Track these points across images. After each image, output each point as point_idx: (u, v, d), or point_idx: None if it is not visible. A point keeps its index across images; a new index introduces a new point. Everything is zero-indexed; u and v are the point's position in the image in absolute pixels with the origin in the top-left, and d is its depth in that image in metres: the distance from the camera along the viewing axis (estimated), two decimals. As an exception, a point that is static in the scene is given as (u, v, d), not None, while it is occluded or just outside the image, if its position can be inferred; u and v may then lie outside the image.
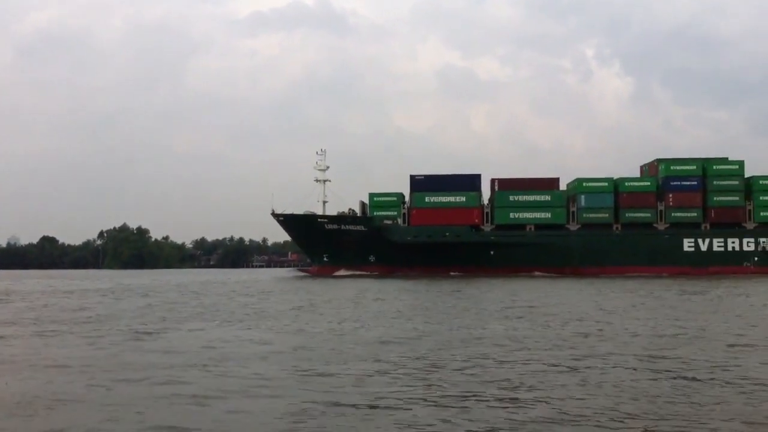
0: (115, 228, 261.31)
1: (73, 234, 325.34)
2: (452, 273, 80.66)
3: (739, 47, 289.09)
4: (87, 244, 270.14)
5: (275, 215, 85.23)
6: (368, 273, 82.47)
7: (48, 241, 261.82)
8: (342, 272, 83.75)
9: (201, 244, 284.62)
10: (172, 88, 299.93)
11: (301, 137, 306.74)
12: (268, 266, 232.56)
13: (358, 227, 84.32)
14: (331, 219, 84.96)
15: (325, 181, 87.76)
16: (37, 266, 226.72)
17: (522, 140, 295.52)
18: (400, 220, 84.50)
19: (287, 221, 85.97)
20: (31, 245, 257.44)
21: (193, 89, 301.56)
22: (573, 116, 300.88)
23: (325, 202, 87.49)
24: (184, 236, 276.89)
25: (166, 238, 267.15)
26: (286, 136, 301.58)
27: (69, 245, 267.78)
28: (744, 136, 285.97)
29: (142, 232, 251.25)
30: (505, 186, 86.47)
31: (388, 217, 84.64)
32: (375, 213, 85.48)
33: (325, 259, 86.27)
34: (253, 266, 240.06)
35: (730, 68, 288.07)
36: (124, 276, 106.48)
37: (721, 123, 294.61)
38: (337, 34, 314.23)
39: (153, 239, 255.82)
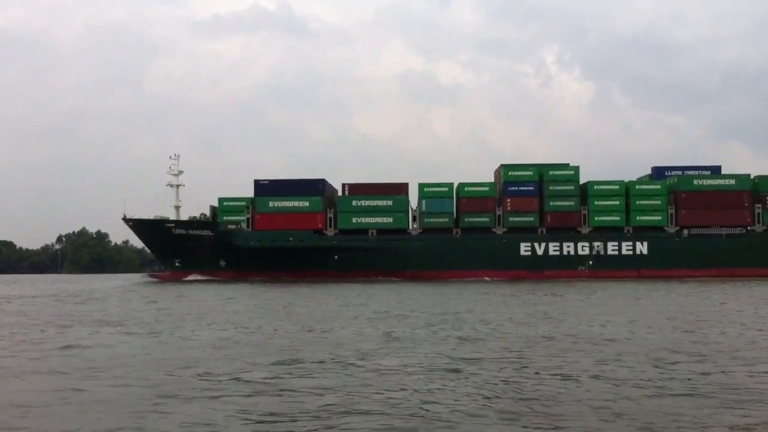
0: (74, 232, 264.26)
1: (32, 238, 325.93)
2: (285, 278, 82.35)
3: (696, 54, 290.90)
4: (45, 249, 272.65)
5: (126, 220, 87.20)
6: (218, 278, 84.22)
7: (5, 246, 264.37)
8: (192, 278, 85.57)
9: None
10: (132, 91, 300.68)
11: (266, 142, 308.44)
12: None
13: (205, 232, 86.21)
14: (179, 224, 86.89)
15: (178, 185, 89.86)
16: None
17: (485, 145, 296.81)
18: (244, 225, 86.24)
19: (138, 226, 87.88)
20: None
21: (154, 92, 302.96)
22: (535, 121, 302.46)
23: (178, 207, 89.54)
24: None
25: (126, 242, 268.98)
26: (249, 141, 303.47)
27: (27, 249, 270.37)
28: (702, 140, 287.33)
29: (101, 237, 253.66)
30: (355, 191, 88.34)
31: (235, 222, 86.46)
32: (224, 217, 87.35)
33: (177, 264, 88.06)
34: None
35: (687, 74, 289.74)
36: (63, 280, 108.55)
37: (680, 128, 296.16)
38: (299, 38, 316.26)
39: (113, 243, 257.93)
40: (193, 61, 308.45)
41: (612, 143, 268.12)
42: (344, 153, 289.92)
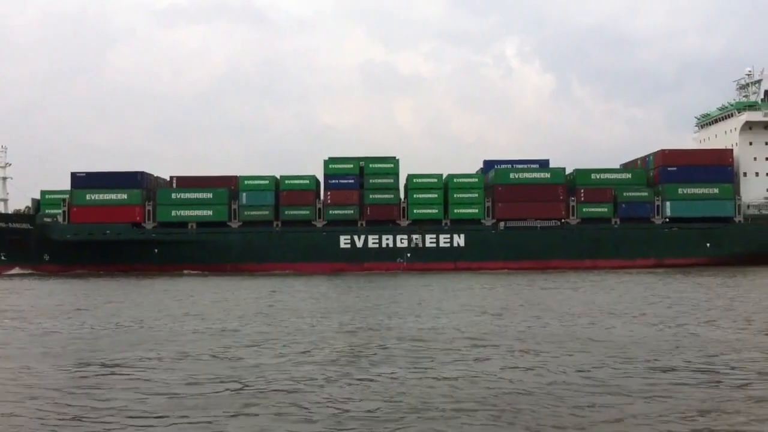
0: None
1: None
2: (101, 272, 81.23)
3: (652, 46, 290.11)
4: None
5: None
6: (42, 273, 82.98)
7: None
8: (15, 271, 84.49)
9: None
10: (90, 80, 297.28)
11: (227, 132, 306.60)
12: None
13: (24, 225, 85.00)
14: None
15: (5, 178, 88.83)
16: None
17: (447, 135, 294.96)
18: (60, 218, 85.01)
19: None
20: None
21: (113, 82, 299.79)
22: (496, 112, 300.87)
23: (5, 200, 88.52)
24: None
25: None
26: (210, 130, 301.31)
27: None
28: (660, 131, 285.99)
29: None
30: (183, 183, 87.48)
31: (51, 215, 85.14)
32: (46, 210, 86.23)
33: (2, 258, 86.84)
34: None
35: (644, 66, 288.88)
36: None
37: (638, 119, 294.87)
38: (260, 27, 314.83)
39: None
40: (151, 51, 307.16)
41: (573, 134, 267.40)
42: (304, 143, 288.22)
